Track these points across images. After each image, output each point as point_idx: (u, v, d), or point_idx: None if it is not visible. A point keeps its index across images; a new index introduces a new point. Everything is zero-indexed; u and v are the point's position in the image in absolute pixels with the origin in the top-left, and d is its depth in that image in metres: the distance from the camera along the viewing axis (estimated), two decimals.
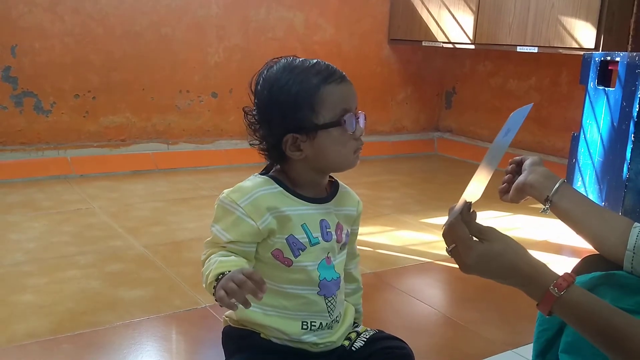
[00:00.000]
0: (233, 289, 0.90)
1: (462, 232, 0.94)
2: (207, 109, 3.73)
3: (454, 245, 0.95)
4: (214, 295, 0.96)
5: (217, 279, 0.95)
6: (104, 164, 3.41)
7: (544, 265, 0.93)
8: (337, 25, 4.07)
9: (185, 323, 1.71)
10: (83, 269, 2.04)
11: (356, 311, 1.24)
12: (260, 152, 1.12)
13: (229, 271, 0.95)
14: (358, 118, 1.08)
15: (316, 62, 1.07)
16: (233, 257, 1.03)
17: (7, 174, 3.14)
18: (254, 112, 1.10)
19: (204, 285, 1.02)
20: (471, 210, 0.96)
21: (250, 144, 1.12)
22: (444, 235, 0.97)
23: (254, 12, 3.77)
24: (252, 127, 1.10)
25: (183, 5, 3.54)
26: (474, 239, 0.95)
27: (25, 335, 1.59)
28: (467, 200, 0.96)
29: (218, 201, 1.08)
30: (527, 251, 0.95)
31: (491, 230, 0.96)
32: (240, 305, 1.08)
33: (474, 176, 0.98)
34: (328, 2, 4.01)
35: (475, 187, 0.98)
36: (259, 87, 1.09)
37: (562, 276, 0.90)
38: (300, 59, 1.09)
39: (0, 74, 3.15)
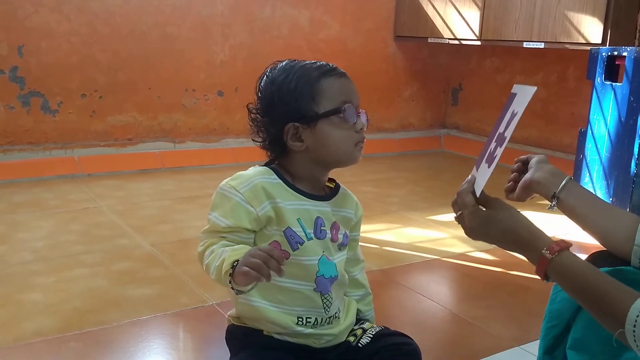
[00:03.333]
0: (257, 264, 0.91)
1: (469, 199, 1.02)
2: (213, 107, 3.74)
3: (460, 212, 1.03)
4: (229, 283, 0.96)
5: (233, 266, 0.95)
6: (110, 163, 3.42)
7: (543, 232, 0.98)
8: (342, 22, 4.07)
9: (193, 321, 1.71)
10: (90, 268, 2.05)
11: (367, 320, 1.24)
12: (262, 147, 1.13)
13: None
14: (359, 113, 1.10)
15: (316, 61, 1.11)
16: (242, 245, 1.03)
17: (15, 173, 3.16)
18: (257, 107, 1.12)
19: (212, 275, 1.01)
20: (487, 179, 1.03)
21: (254, 140, 1.14)
22: (452, 203, 1.05)
23: (259, 10, 3.76)
24: (255, 123, 1.12)
25: (188, 4, 3.54)
26: (479, 207, 1.02)
27: (33, 333, 1.60)
28: (475, 175, 1.04)
29: (217, 189, 1.09)
30: (528, 220, 1.00)
31: (497, 200, 1.03)
32: (240, 300, 1.09)
33: (482, 156, 1.04)
34: None
35: (487, 166, 1.02)
36: (262, 83, 1.12)
37: (556, 241, 0.95)
38: (302, 60, 1.12)
39: (8, 74, 3.16)
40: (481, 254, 2.33)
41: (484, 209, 1.02)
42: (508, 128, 1.01)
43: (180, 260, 2.14)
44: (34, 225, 2.47)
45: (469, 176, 1.07)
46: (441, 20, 3.88)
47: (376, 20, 4.20)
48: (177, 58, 3.57)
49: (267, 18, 3.80)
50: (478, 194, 1.02)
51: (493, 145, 1.04)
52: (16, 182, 3.09)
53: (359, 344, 1.15)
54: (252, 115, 1.13)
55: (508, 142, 1.00)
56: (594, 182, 2.67)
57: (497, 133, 1.04)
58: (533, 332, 1.65)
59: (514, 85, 1.06)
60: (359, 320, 1.22)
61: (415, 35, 4.12)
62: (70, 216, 2.60)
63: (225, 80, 3.73)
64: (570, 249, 0.95)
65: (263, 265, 0.91)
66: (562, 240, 0.95)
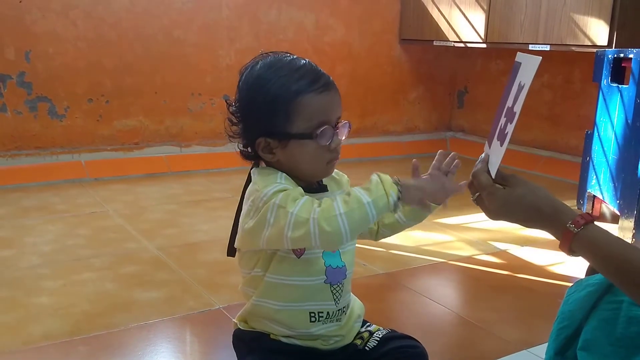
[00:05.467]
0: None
1: (485, 180, 0.99)
2: (219, 111, 3.75)
3: (477, 194, 1.00)
4: (398, 197, 0.95)
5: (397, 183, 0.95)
6: (117, 167, 3.43)
7: (566, 206, 0.96)
8: (347, 25, 4.07)
9: (200, 324, 1.71)
10: (98, 272, 2.06)
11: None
12: (239, 149, 1.11)
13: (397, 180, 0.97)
14: (337, 129, 1.04)
15: (303, 64, 1.05)
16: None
17: (23, 178, 3.17)
18: (235, 106, 1.08)
19: (360, 211, 0.92)
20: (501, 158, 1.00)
21: (230, 138, 1.10)
22: (468, 186, 1.02)
23: (265, 14, 3.78)
24: (231, 121, 1.09)
25: (194, 8, 3.56)
26: (497, 186, 0.99)
27: (42, 337, 1.60)
28: (488, 154, 1.01)
29: (263, 197, 0.99)
30: (548, 193, 0.98)
31: (513, 176, 1.00)
32: (252, 301, 1.09)
33: (492, 133, 1.02)
34: (338, 2, 4.01)
35: (499, 144, 1.00)
36: (240, 82, 1.08)
37: (580, 214, 0.92)
38: (290, 58, 1.07)
39: (15, 80, 3.18)
40: (488, 256, 2.33)
41: (502, 188, 0.99)
42: (517, 102, 0.98)
43: (187, 264, 2.14)
44: (42, 229, 2.49)
45: (482, 154, 1.03)
46: (446, 23, 3.88)
47: (381, 23, 4.21)
48: (183, 62, 3.59)
49: (273, 21, 3.81)
50: (493, 173, 0.99)
51: (503, 120, 1.01)
52: (24, 187, 3.11)
53: (366, 347, 1.15)
54: (229, 112, 1.09)
55: (518, 116, 0.97)
56: (601, 185, 2.66)
57: (506, 107, 1.01)
58: (540, 335, 1.65)
59: (518, 53, 1.02)
60: (365, 323, 1.22)
61: (420, 38, 4.12)
62: (78, 220, 2.61)
63: (231, 84, 3.71)
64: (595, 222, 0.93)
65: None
66: (587, 214, 0.93)
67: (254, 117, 1.05)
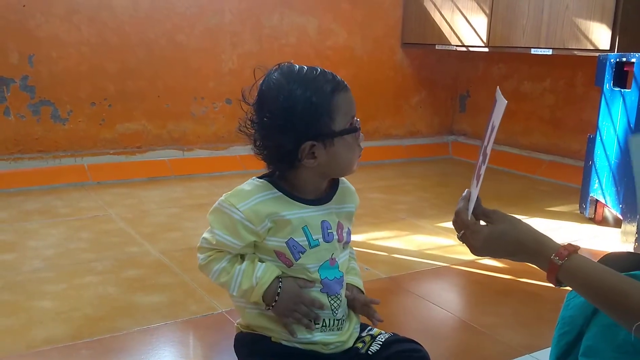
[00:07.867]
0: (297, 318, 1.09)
1: (467, 218, 1.01)
2: (221, 115, 3.75)
3: (462, 231, 1.02)
4: (263, 301, 1.08)
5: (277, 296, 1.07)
6: (120, 170, 3.44)
7: (549, 238, 0.97)
8: (350, 30, 4.08)
9: (202, 328, 1.71)
10: (100, 275, 2.06)
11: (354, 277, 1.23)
12: (265, 160, 1.11)
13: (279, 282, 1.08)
14: None
15: (319, 70, 1.08)
16: (258, 263, 1.09)
17: (25, 181, 3.18)
18: (265, 119, 1.07)
19: (232, 292, 1.08)
20: (476, 197, 1.02)
21: (256, 154, 1.12)
22: (453, 223, 1.04)
23: (267, 19, 3.78)
24: (260, 138, 1.09)
25: (197, 13, 3.57)
26: (481, 222, 1.01)
27: (44, 341, 1.60)
28: (470, 191, 1.03)
29: (217, 204, 1.10)
30: (531, 227, 0.99)
31: (495, 212, 1.02)
32: (247, 310, 1.11)
33: (476, 172, 1.04)
34: (341, 7, 4.02)
35: (475, 184, 1.03)
36: (271, 94, 1.07)
37: (563, 245, 0.94)
38: (303, 67, 1.08)
39: (18, 84, 3.19)
40: (491, 261, 2.32)
41: (485, 225, 1.01)
42: (489, 143, 1.01)
43: (189, 268, 2.14)
44: (45, 232, 2.49)
45: (465, 192, 1.05)
46: (448, 27, 3.89)
47: (383, 28, 4.21)
48: (185, 67, 3.59)
49: (275, 26, 3.81)
50: (469, 213, 1.01)
51: (480, 159, 1.04)
52: (27, 190, 3.12)
53: (369, 351, 1.15)
54: (254, 129, 1.09)
55: (489, 158, 1.01)
56: (604, 189, 2.66)
57: (483, 147, 1.04)
58: (544, 339, 1.65)
59: (497, 88, 1.03)
60: (366, 326, 1.22)
61: (422, 42, 4.12)
62: (80, 224, 2.62)
63: (233, 89, 3.74)
64: (579, 252, 0.94)
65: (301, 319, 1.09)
66: (570, 244, 0.94)
67: (298, 124, 1.04)
